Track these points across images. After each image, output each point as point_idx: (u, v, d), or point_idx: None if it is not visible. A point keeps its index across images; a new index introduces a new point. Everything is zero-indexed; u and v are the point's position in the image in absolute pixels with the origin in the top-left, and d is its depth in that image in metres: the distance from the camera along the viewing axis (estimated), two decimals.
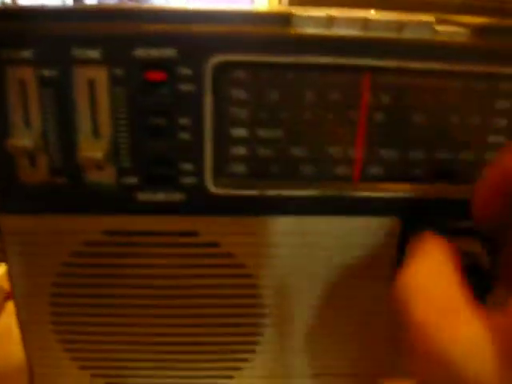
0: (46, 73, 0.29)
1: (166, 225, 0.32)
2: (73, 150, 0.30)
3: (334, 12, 0.30)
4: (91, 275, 0.33)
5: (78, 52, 0.29)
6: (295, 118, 0.31)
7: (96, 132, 0.30)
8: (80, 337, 0.35)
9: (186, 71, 0.29)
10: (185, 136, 0.30)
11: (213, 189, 0.31)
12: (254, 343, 0.36)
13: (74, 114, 0.30)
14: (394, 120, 0.31)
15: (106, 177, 0.31)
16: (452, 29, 0.31)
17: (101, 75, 0.29)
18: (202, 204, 0.31)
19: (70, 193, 0.31)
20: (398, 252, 0.34)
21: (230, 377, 0.36)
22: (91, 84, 0.29)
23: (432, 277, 0.25)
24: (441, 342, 0.22)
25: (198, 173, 0.31)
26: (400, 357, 0.25)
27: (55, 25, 0.29)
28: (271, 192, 0.31)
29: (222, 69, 0.29)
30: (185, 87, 0.29)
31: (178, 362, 0.36)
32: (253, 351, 0.36)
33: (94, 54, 0.29)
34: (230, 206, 0.32)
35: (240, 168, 0.32)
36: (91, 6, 0.30)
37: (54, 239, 0.33)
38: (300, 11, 0.30)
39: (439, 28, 0.30)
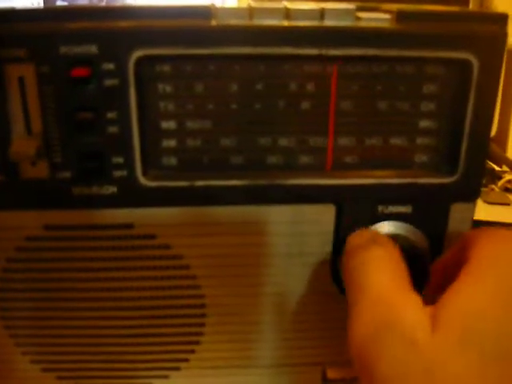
0: None
1: (102, 218, 0.33)
2: (6, 147, 0.31)
3: (287, 3, 0.31)
4: (35, 269, 0.34)
5: (5, 51, 0.29)
6: (221, 109, 0.31)
7: (28, 128, 0.31)
8: (29, 331, 0.36)
9: (108, 67, 0.30)
10: (113, 130, 0.31)
11: (143, 181, 0.32)
12: (198, 334, 0.36)
13: (7, 111, 0.30)
14: (318, 108, 0.31)
15: (40, 172, 0.31)
16: (373, 15, 0.31)
17: (29, 73, 0.30)
18: (134, 196, 0.32)
19: (7, 189, 0.32)
20: (334, 238, 0.34)
21: (177, 368, 0.37)
22: (21, 81, 0.30)
23: (387, 260, 0.29)
24: (397, 310, 0.26)
25: (129, 166, 0.31)
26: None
27: None
28: (201, 183, 0.32)
29: (146, 63, 0.30)
30: (109, 82, 0.30)
31: (124, 355, 0.36)
32: (197, 342, 0.36)
33: (20, 52, 0.29)
34: (162, 198, 0.32)
35: (171, 160, 0.32)
36: (15, 7, 0.30)
37: None
38: (257, 4, 0.30)
39: (361, 15, 0.31)
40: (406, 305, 0.26)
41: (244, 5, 0.31)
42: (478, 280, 0.25)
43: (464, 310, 0.24)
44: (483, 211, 0.61)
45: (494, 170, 0.74)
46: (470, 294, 0.25)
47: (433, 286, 0.32)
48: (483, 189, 0.69)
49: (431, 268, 0.33)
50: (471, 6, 0.63)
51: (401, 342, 0.24)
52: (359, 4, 0.33)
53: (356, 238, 0.31)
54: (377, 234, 0.32)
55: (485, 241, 0.27)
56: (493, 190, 0.71)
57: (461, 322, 0.24)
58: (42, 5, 0.80)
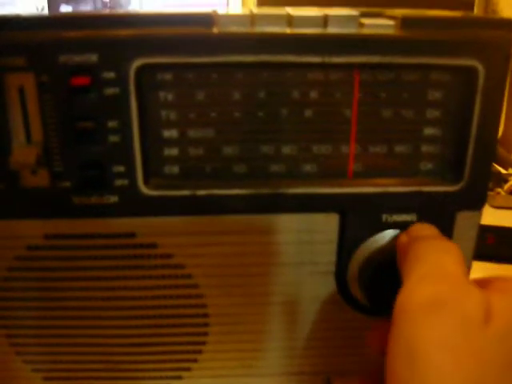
0: None
1: (103, 227, 0.33)
2: (7, 156, 0.30)
3: (292, 11, 0.30)
4: (36, 278, 0.34)
5: (5, 60, 0.29)
6: (224, 117, 0.31)
7: (28, 137, 0.30)
8: (31, 340, 0.36)
9: (109, 75, 0.29)
10: (114, 139, 0.30)
11: (145, 190, 0.31)
12: (201, 343, 0.36)
13: (6, 120, 0.30)
14: (323, 115, 0.31)
15: (40, 181, 0.31)
16: (377, 22, 0.30)
17: (29, 82, 0.30)
18: (135, 205, 0.32)
19: (8, 198, 0.32)
20: (338, 248, 0.34)
21: (180, 377, 0.37)
22: (21, 91, 0.30)
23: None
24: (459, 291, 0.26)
25: (130, 175, 0.31)
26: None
27: None
28: (203, 192, 0.31)
29: (147, 71, 0.30)
30: (110, 91, 0.30)
31: (125, 364, 0.36)
32: (200, 351, 0.36)
33: (19, 61, 0.29)
34: (164, 207, 0.32)
35: (173, 169, 0.32)
36: (15, 15, 0.30)
37: None
38: (259, 11, 0.30)
39: (364, 21, 0.30)
40: (470, 291, 0.26)
41: (246, 11, 0.30)
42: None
43: None
44: (489, 216, 0.61)
45: (500, 173, 0.73)
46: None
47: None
48: (489, 193, 0.68)
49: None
50: (476, 11, 0.62)
51: (459, 323, 0.24)
52: (363, 9, 0.32)
53: (424, 229, 0.32)
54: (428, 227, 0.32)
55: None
56: (499, 193, 0.70)
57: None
58: (46, 8, 0.80)
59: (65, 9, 0.83)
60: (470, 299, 0.25)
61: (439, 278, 0.26)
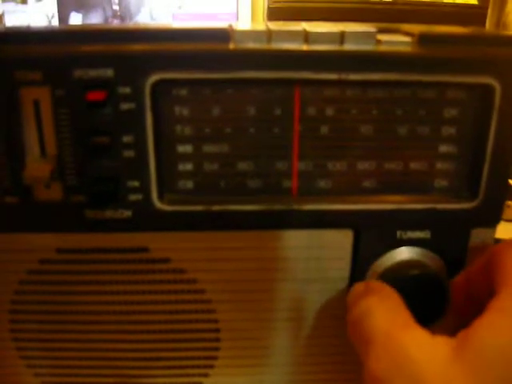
0: None
1: (116, 241, 0.32)
2: (21, 170, 0.30)
3: (306, 26, 0.30)
4: (48, 292, 0.34)
5: (20, 74, 0.29)
6: (239, 133, 0.31)
7: (43, 151, 0.30)
8: (41, 353, 0.35)
9: (125, 90, 0.29)
10: (129, 154, 0.30)
11: (159, 205, 0.31)
12: (212, 358, 0.36)
13: (21, 133, 0.30)
14: (339, 132, 0.31)
15: (54, 195, 0.31)
16: (394, 38, 0.30)
17: (45, 96, 0.30)
18: (149, 220, 0.31)
19: (21, 211, 0.31)
20: (352, 264, 0.34)
21: None
22: (36, 104, 0.30)
23: (386, 304, 0.29)
24: (407, 348, 0.25)
25: (144, 190, 0.31)
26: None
27: None
28: (217, 207, 0.31)
29: (162, 86, 0.29)
30: (125, 106, 0.29)
31: (138, 378, 0.36)
32: (211, 366, 0.36)
33: (35, 75, 0.29)
34: (178, 222, 0.32)
35: (188, 184, 0.32)
36: (30, 28, 0.30)
37: (10, 257, 0.33)
38: (275, 26, 0.30)
39: (381, 38, 0.30)
40: (415, 341, 0.25)
41: (262, 27, 0.30)
42: (507, 314, 0.24)
43: (486, 345, 0.23)
44: (500, 229, 0.60)
45: (510, 185, 0.73)
46: (495, 330, 0.24)
47: (455, 303, 0.32)
48: None
49: (453, 282, 0.32)
50: (488, 24, 0.62)
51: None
52: (379, 25, 0.32)
53: (351, 295, 0.32)
54: (368, 283, 0.32)
55: None
56: (509, 206, 0.70)
57: (482, 357, 0.23)
58: (56, 16, 0.80)
59: (75, 16, 0.83)
60: (413, 353, 0.25)
61: (382, 349, 0.26)
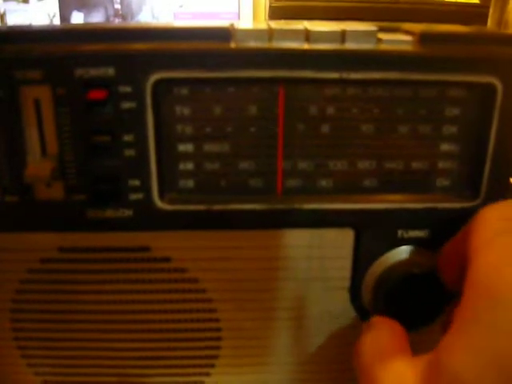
0: None
1: (117, 241, 0.32)
2: (22, 169, 0.30)
3: (307, 24, 0.30)
4: (49, 291, 0.34)
5: (21, 73, 0.29)
6: (240, 132, 0.31)
7: (44, 150, 0.30)
8: (42, 352, 0.35)
9: (125, 89, 0.29)
10: (130, 153, 0.30)
11: (160, 204, 0.31)
12: (214, 357, 0.36)
13: (22, 132, 0.30)
14: (340, 131, 0.31)
15: (55, 194, 0.31)
16: (395, 37, 0.30)
17: (45, 95, 0.29)
18: (150, 220, 0.31)
19: (22, 211, 0.31)
20: (353, 263, 0.33)
21: None
22: (37, 103, 0.30)
23: (375, 337, 0.30)
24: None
25: (145, 189, 0.31)
26: None
27: None
28: (218, 207, 0.31)
29: (163, 85, 0.29)
30: (126, 105, 0.29)
31: (139, 377, 0.36)
32: (212, 365, 0.36)
33: (35, 74, 0.29)
34: (179, 221, 0.32)
35: (188, 183, 0.32)
36: (31, 27, 0.30)
37: (11, 257, 0.33)
38: (276, 25, 0.30)
39: (382, 36, 0.30)
40: (387, 374, 0.26)
41: (263, 26, 0.30)
42: (463, 336, 0.22)
43: (444, 370, 0.22)
44: None
45: (511, 184, 0.72)
46: (450, 354, 0.22)
47: (448, 275, 0.31)
48: None
49: (442, 251, 0.31)
50: (489, 23, 0.62)
51: None
52: (380, 24, 0.32)
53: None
54: (370, 321, 0.32)
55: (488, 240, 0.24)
56: None
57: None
58: (57, 15, 0.80)
59: (76, 16, 0.83)
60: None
61: None
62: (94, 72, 0.29)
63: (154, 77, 0.29)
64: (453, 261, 0.29)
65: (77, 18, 0.88)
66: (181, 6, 0.94)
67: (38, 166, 0.30)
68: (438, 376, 0.22)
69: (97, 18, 0.89)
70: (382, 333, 0.30)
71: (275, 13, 0.71)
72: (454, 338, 0.23)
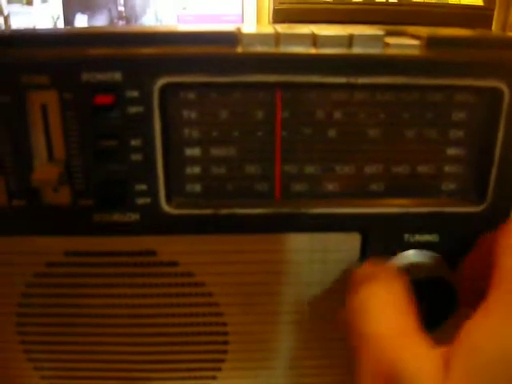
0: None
1: (124, 245, 0.32)
2: (29, 173, 0.30)
3: (314, 29, 0.30)
4: (55, 295, 0.34)
5: (28, 78, 0.29)
6: (246, 136, 0.31)
7: (50, 155, 0.30)
8: (48, 355, 0.35)
9: (133, 94, 0.29)
10: (137, 157, 0.30)
11: (167, 209, 0.31)
12: (220, 361, 0.36)
13: (29, 137, 0.30)
14: (347, 135, 0.31)
15: (62, 198, 0.31)
16: (403, 41, 0.30)
17: (52, 100, 0.30)
18: (157, 224, 0.31)
19: (29, 215, 0.31)
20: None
21: None
22: (44, 108, 0.30)
23: (390, 299, 0.27)
24: (401, 356, 0.24)
25: (152, 193, 0.31)
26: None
27: (4, 51, 0.29)
28: (225, 211, 0.31)
29: (170, 90, 0.29)
30: (133, 110, 0.29)
31: (145, 381, 0.36)
32: (219, 369, 0.36)
33: (42, 79, 0.29)
34: (185, 226, 0.32)
35: (195, 187, 0.32)
36: (37, 31, 0.30)
37: (17, 260, 0.33)
38: (283, 29, 0.30)
39: (389, 41, 0.30)
40: (409, 353, 0.24)
41: (270, 30, 0.30)
42: (496, 314, 0.23)
43: (478, 348, 0.22)
44: None
45: None
46: (485, 331, 0.23)
47: (462, 293, 0.31)
48: None
49: (461, 266, 0.32)
50: (494, 25, 0.62)
51: None
52: (386, 27, 0.32)
53: (358, 273, 0.30)
54: (379, 268, 0.31)
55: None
56: None
57: (476, 362, 0.22)
58: (61, 18, 0.80)
59: (80, 18, 0.83)
60: (410, 365, 0.23)
61: (375, 355, 0.25)
62: (100, 77, 0.29)
63: (161, 81, 0.29)
64: (475, 269, 0.30)
65: (81, 21, 0.88)
66: (184, 9, 0.94)
67: (44, 170, 0.30)
68: (462, 361, 0.22)
69: (100, 20, 0.89)
70: (401, 294, 0.28)
71: (279, 15, 0.71)
72: (482, 317, 0.23)
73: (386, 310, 0.27)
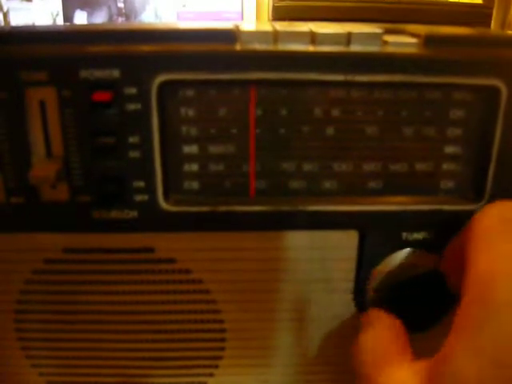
0: None
1: (122, 242, 0.32)
2: (27, 170, 0.30)
3: (312, 26, 0.30)
4: (53, 292, 0.34)
5: (26, 74, 0.29)
6: (244, 134, 0.31)
7: (49, 152, 0.30)
8: (47, 352, 0.36)
9: (131, 91, 0.29)
10: (135, 154, 0.30)
11: (164, 206, 0.31)
12: (218, 358, 0.36)
13: (27, 134, 0.30)
14: (344, 133, 0.31)
15: (60, 195, 0.31)
16: (401, 39, 0.30)
17: (50, 96, 0.29)
18: (155, 221, 0.31)
19: (27, 212, 0.31)
20: (357, 265, 0.34)
21: None
22: (42, 105, 0.30)
23: (376, 337, 0.30)
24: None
25: (150, 190, 0.31)
26: None
27: (2, 48, 0.29)
28: (223, 208, 0.31)
29: (168, 87, 0.29)
30: (131, 107, 0.29)
31: (142, 378, 0.36)
32: (216, 366, 0.36)
33: (41, 75, 0.29)
34: (183, 223, 0.32)
35: (193, 184, 0.32)
36: (36, 28, 0.30)
37: (16, 257, 0.33)
38: (281, 27, 0.30)
39: (388, 39, 0.30)
40: (387, 378, 0.26)
41: (269, 28, 0.30)
42: (463, 340, 0.23)
43: (443, 373, 0.23)
44: None
45: None
46: (450, 358, 0.23)
47: (452, 277, 0.31)
48: None
49: (444, 254, 0.32)
50: (493, 24, 0.62)
51: None
52: (385, 25, 0.32)
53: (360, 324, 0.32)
54: (367, 315, 0.32)
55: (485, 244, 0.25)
56: None
57: None
58: (61, 14, 0.80)
59: (79, 15, 0.83)
60: None
61: None
62: (99, 74, 0.29)
63: (159, 78, 0.29)
64: (454, 263, 0.30)
65: (80, 17, 0.88)
66: (184, 6, 0.94)
67: (43, 167, 0.30)
68: (439, 380, 0.23)
69: (100, 16, 0.89)
70: (383, 333, 0.30)
71: (278, 12, 0.71)
72: (453, 342, 0.23)
73: (371, 351, 0.29)
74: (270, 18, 0.73)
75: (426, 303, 0.33)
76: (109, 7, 0.88)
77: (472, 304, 0.23)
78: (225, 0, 0.93)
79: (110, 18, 0.89)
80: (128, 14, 0.88)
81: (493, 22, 0.62)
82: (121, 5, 0.89)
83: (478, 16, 0.66)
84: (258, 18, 0.86)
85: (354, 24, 0.32)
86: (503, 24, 0.61)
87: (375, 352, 0.29)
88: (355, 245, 0.33)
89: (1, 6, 0.84)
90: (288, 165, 0.31)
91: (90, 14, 0.87)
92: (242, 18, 0.89)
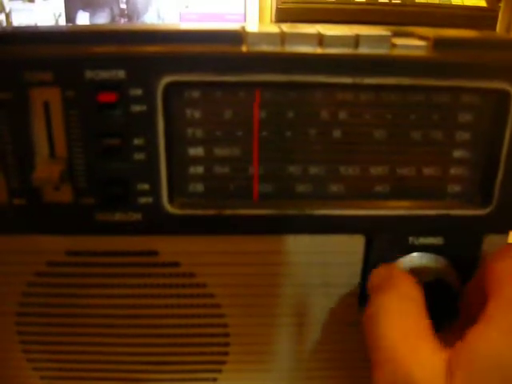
0: (1, 96, 0.29)
1: (126, 244, 0.32)
2: (30, 171, 0.30)
3: (320, 28, 0.30)
4: (56, 295, 0.34)
5: (31, 74, 0.29)
6: (250, 136, 0.30)
7: (52, 153, 0.30)
8: (48, 356, 0.35)
9: (136, 92, 0.29)
10: (140, 156, 0.30)
11: (169, 208, 0.31)
12: (221, 362, 0.35)
13: (31, 135, 0.30)
14: (352, 136, 0.31)
15: (63, 197, 0.31)
16: (409, 42, 0.30)
17: (55, 97, 0.29)
18: (159, 224, 0.31)
19: (30, 213, 0.31)
20: (363, 269, 0.33)
21: None
22: (46, 106, 0.29)
23: (403, 307, 0.28)
24: (408, 365, 0.25)
25: (154, 193, 0.30)
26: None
27: (6, 48, 0.29)
28: (228, 211, 0.31)
29: (174, 88, 0.29)
30: (136, 108, 0.29)
31: (145, 382, 0.35)
32: (220, 371, 0.35)
33: (45, 76, 0.29)
34: (188, 226, 0.31)
35: (198, 187, 0.31)
36: (40, 28, 0.30)
37: (18, 259, 0.33)
38: (288, 29, 0.29)
39: (396, 41, 0.30)
40: (417, 357, 0.25)
41: (276, 29, 0.30)
42: (495, 324, 0.24)
43: (478, 356, 0.24)
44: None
45: None
46: (485, 340, 0.24)
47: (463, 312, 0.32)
48: None
49: (464, 292, 0.32)
50: (499, 27, 0.62)
51: None
52: (392, 28, 0.32)
53: (373, 280, 0.31)
54: (392, 272, 0.31)
55: (506, 275, 0.26)
56: None
57: (476, 368, 0.23)
58: (63, 15, 0.80)
59: (82, 15, 0.83)
60: (417, 369, 0.25)
61: (386, 361, 0.26)
62: (104, 74, 0.28)
63: (165, 80, 0.29)
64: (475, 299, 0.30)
65: (82, 18, 0.88)
66: (187, 7, 0.94)
67: (46, 168, 0.30)
68: (465, 365, 0.24)
69: (102, 17, 0.89)
70: (414, 299, 0.29)
71: (281, 14, 0.71)
72: (481, 328, 0.24)
73: (394, 318, 0.28)
74: (273, 20, 0.73)
75: (431, 308, 0.32)
76: (111, 8, 0.88)
77: (503, 302, 0.25)
78: (228, 1, 0.93)
79: (113, 18, 0.88)
80: (130, 14, 0.88)
81: (498, 24, 0.61)
82: (123, 6, 0.89)
83: (483, 19, 0.66)
84: (260, 19, 0.86)
85: (361, 26, 0.32)
86: (509, 28, 0.60)
87: (406, 320, 0.27)
88: (361, 249, 0.33)
89: (3, 6, 0.83)
90: (294, 168, 0.31)
91: (92, 15, 0.87)
92: (245, 20, 0.89)
